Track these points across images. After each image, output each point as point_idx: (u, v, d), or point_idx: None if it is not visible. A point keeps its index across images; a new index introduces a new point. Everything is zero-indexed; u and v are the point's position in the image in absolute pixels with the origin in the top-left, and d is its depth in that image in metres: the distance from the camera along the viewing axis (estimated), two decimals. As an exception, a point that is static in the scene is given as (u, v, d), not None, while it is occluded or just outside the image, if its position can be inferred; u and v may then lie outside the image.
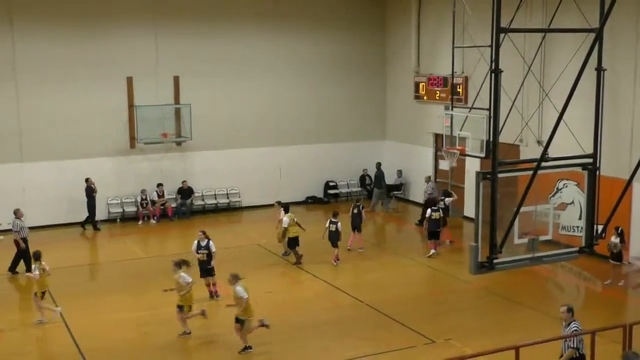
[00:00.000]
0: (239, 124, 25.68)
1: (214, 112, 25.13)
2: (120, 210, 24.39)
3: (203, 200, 25.62)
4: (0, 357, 13.25)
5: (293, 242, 18.93)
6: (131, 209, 24.41)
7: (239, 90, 25.59)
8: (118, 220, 24.26)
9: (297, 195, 26.65)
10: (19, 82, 22.62)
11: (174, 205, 24.86)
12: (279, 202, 20.90)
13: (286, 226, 18.90)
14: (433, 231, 19.69)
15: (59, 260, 18.75)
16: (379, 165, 26.39)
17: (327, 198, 27.42)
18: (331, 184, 27.54)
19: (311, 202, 27.04)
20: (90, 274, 19.63)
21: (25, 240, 18.73)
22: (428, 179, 24.74)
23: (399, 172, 27.13)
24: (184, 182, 24.90)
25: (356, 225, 20.15)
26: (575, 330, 9.57)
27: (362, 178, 27.80)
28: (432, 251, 19.61)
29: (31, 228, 22.57)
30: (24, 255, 18.41)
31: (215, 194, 25.82)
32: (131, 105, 23.98)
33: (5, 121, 22.52)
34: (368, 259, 19.80)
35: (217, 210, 25.68)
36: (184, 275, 14.14)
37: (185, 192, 24.92)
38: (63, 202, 23.40)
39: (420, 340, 13.73)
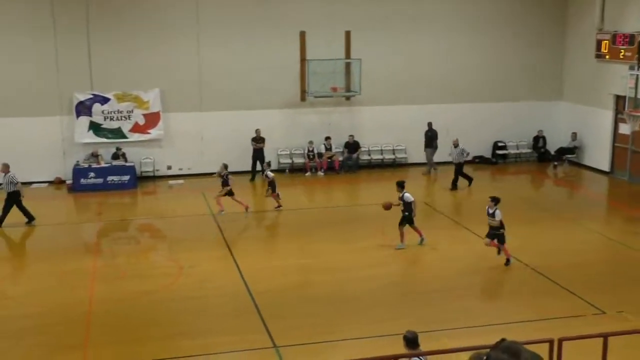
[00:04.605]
0: (408, 80, 25.49)
1: (383, 67, 25.10)
2: (290, 161, 25.20)
3: (369, 155, 25.85)
4: (179, 291, 14.31)
5: None
6: (300, 160, 25.14)
7: (409, 46, 25.35)
8: (287, 171, 25.09)
9: (464, 154, 26.17)
10: (201, 37, 23.80)
11: (341, 158, 25.30)
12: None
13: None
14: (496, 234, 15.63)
15: (229, 207, 19.78)
16: (430, 124, 24.98)
17: (495, 159, 26.71)
18: (500, 144, 26.77)
19: (478, 161, 26.46)
20: (259, 221, 20.53)
21: (16, 193, 18.80)
22: (457, 143, 22.82)
23: (574, 135, 25.84)
24: (350, 136, 25.23)
25: None
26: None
27: (536, 139, 26.75)
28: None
29: (202, 175, 23.85)
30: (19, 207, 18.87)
31: (381, 150, 25.96)
32: (303, 59, 24.51)
33: (187, 72, 23.87)
34: (535, 223, 19.17)
35: (383, 165, 25.85)
36: None
37: (352, 146, 25.27)
38: (235, 151, 24.30)
39: (589, 309, 13.14)
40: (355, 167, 25.26)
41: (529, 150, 26.97)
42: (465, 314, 13.14)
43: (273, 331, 12.26)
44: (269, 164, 21.16)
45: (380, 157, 25.95)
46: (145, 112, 23.79)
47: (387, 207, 16.86)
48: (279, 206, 20.24)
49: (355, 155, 25.29)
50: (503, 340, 3.14)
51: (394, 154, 25.97)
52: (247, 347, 11.82)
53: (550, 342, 8.18)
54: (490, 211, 15.46)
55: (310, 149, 24.94)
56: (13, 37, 22.65)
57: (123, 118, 23.69)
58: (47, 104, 23.09)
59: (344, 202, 22.34)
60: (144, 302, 13.80)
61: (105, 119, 23.54)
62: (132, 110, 23.67)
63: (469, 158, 23.10)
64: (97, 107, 23.39)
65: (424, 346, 9.33)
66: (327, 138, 25.08)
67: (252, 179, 24.10)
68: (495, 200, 15.49)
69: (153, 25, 23.47)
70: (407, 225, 16.64)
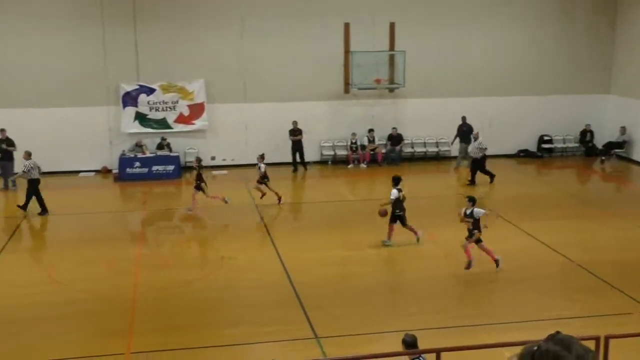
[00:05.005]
0: (452, 73, 25.24)
1: (428, 60, 24.90)
2: (332, 153, 25.20)
3: (412, 147, 25.71)
4: (221, 280, 14.45)
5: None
6: (342, 152, 25.13)
7: (454, 38, 25.09)
8: (329, 162, 25.10)
9: (509, 148, 25.86)
10: (245, 28, 23.91)
11: (383, 151, 25.20)
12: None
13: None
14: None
15: (270, 198, 19.84)
16: (464, 118, 24.39)
17: (541, 152, 26.31)
18: (546, 138, 26.35)
19: (523, 155, 26.12)
20: (301, 212, 20.58)
21: (36, 180, 18.92)
22: (476, 136, 22.42)
23: (623, 129, 25.30)
24: (394, 128, 25.11)
25: None
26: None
27: (583, 133, 26.27)
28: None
29: (246, 165, 23.98)
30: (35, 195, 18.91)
31: (424, 142, 25.78)
32: (347, 51, 24.45)
33: (231, 64, 24.02)
34: (581, 218, 18.83)
35: (426, 158, 25.67)
36: None
37: (395, 138, 25.15)
38: (278, 143, 24.22)
39: (637, 307, 12.87)
40: (398, 160, 25.14)
41: (576, 145, 26.52)
42: (508, 309, 12.99)
43: (314, 322, 12.29)
44: (262, 156, 19.97)
45: (423, 149, 25.79)
46: (190, 102, 24.03)
47: (383, 213, 16.49)
48: (263, 195, 19.69)
49: (398, 148, 25.16)
50: (558, 333, 3.10)
51: (437, 146, 25.78)
52: (289, 337, 11.87)
53: (597, 339, 8.04)
54: (468, 212, 14.53)
55: (353, 141, 24.91)
56: (62, 29, 23.07)
57: (168, 109, 23.97)
58: (94, 94, 23.50)
59: (386, 194, 22.15)
60: (187, 291, 13.96)
61: (150, 109, 23.85)
62: (177, 101, 23.94)
63: (473, 156, 22.28)
64: (142, 98, 23.72)
65: (462, 341, 9.26)
66: (370, 130, 25.01)
67: (295, 170, 24.16)
68: (472, 201, 14.68)
69: (198, 16, 23.65)
70: (401, 224, 16.26)
